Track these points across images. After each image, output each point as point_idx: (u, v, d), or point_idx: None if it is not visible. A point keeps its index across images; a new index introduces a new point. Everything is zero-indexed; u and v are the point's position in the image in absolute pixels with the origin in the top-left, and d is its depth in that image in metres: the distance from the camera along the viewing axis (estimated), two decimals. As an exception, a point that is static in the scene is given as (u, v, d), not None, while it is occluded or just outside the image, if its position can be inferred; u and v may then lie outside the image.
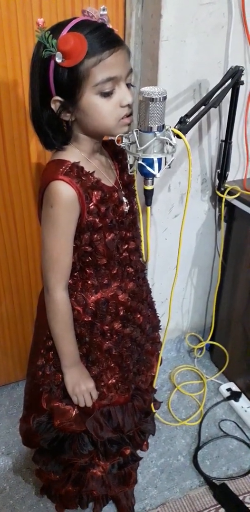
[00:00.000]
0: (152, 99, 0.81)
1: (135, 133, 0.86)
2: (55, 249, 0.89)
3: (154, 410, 1.23)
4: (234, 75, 1.30)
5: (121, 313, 0.99)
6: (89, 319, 0.97)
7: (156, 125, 0.83)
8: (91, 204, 0.87)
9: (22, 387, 1.71)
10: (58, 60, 0.79)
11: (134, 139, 0.86)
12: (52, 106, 0.84)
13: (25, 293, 1.60)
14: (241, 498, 1.35)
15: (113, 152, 1.01)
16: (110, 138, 0.95)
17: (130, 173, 0.95)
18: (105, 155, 0.99)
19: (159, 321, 1.19)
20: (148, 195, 0.93)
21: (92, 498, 1.22)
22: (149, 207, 0.95)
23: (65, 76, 0.80)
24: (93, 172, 0.89)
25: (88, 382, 1.00)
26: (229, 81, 1.29)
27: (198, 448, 1.52)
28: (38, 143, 0.91)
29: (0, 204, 1.41)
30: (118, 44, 0.82)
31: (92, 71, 0.80)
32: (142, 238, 1.09)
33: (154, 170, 0.86)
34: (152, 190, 0.92)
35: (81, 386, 0.99)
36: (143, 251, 1.10)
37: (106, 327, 0.98)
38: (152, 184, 0.91)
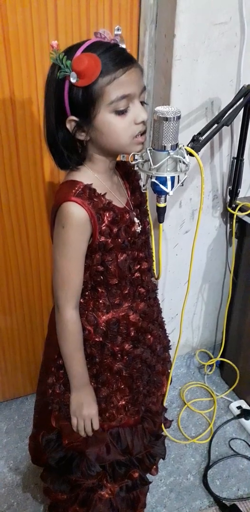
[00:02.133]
0: (166, 119, 0.81)
1: (148, 151, 0.86)
2: (66, 268, 0.89)
3: (164, 429, 1.21)
4: (246, 93, 1.30)
5: (132, 333, 0.98)
6: (100, 339, 0.96)
7: (170, 144, 0.84)
8: (103, 225, 0.88)
9: (31, 401, 1.72)
10: (73, 80, 0.80)
11: (147, 157, 0.87)
12: (68, 126, 0.85)
13: (36, 308, 1.61)
14: (252, 520, 1.33)
15: (124, 173, 1.02)
16: (121, 158, 0.95)
17: (143, 191, 0.95)
18: (117, 175, 1.00)
19: (169, 341, 1.18)
20: (161, 212, 0.93)
21: (99, 520, 1.20)
22: (161, 225, 0.95)
23: (80, 95, 0.81)
24: (105, 194, 0.89)
25: (91, 408, 0.98)
26: (241, 99, 1.30)
27: (208, 467, 1.50)
28: (52, 161, 0.92)
29: (14, 220, 1.43)
30: (132, 62, 0.82)
31: (106, 89, 0.80)
32: (154, 254, 1.09)
33: (167, 188, 0.86)
34: (165, 207, 0.92)
35: (83, 410, 0.97)
36: (154, 268, 1.10)
37: (117, 348, 0.97)
38: (165, 201, 0.91)
